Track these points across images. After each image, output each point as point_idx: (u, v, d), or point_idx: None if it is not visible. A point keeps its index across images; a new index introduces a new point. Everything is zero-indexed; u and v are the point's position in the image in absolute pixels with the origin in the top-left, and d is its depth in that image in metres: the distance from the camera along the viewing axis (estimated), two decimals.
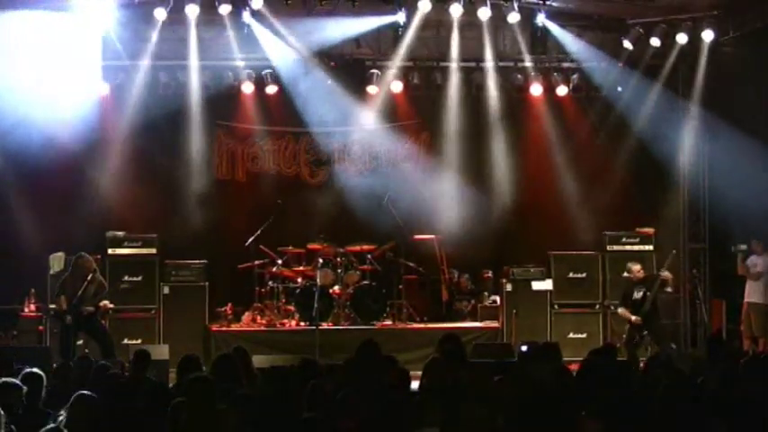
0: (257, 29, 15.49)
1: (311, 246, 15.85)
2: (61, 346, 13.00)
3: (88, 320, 13.18)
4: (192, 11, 14.92)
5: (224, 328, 15.26)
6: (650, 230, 16.06)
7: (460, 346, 9.68)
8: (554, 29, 15.98)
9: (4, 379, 7.61)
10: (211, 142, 16.75)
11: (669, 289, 14.15)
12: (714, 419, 6.78)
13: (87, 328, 13.29)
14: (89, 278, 13.20)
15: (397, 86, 16.56)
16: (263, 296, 15.60)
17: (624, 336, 13.85)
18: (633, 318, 13.55)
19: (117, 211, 15.68)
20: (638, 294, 13.66)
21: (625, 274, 14.09)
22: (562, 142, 16.83)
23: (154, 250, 15.32)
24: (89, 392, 7.33)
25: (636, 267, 13.89)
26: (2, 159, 15.22)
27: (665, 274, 13.83)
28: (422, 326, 15.61)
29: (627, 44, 15.99)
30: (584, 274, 15.90)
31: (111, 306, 13.59)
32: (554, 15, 15.90)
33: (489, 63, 16.54)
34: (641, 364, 11.46)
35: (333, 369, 8.96)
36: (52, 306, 13.63)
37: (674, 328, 15.99)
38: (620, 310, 13.87)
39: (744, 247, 14.82)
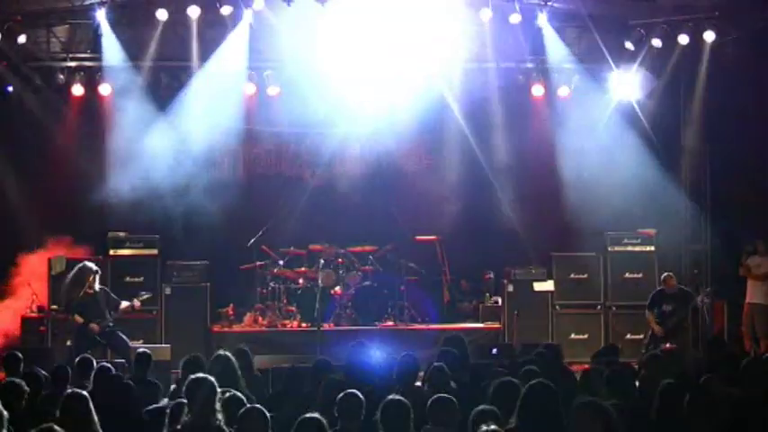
0: (258, 30, 15.52)
1: (312, 246, 15.87)
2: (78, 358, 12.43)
3: (111, 333, 12.97)
4: (194, 12, 14.96)
5: (226, 329, 15.29)
6: (651, 231, 16.05)
7: (464, 348, 9.69)
8: (555, 29, 16.00)
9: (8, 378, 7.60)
10: (213, 143, 16.76)
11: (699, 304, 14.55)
12: (713, 419, 6.78)
13: (111, 339, 12.99)
14: (95, 289, 13.01)
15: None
16: (265, 297, 15.61)
17: (629, 335, 13.98)
18: (656, 327, 13.73)
19: (118, 211, 15.67)
20: (667, 307, 13.85)
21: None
22: (563, 143, 16.81)
23: (155, 251, 15.33)
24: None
25: (672, 281, 14.11)
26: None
27: (702, 298, 14.08)
28: (423, 326, 15.62)
29: (628, 45, 16.00)
30: (585, 275, 15.90)
31: (135, 304, 13.30)
32: (555, 16, 15.90)
33: (491, 64, 16.53)
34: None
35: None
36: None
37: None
38: (647, 314, 14.01)
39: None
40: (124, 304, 13.09)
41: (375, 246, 16.12)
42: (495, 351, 12.08)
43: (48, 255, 14.99)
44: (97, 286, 13.00)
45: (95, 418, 7.04)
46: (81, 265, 13.13)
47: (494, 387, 7.31)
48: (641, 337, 14.66)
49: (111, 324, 12.91)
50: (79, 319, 12.75)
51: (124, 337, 12.97)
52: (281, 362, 12.00)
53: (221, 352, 8.70)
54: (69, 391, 7.44)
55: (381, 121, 16.93)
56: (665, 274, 14.33)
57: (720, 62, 15.79)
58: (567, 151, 16.71)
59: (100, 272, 13.16)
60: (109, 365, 9.58)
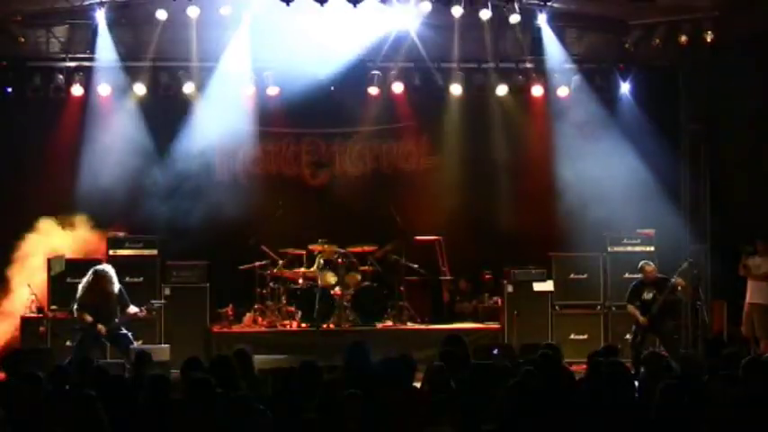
0: (259, 30, 15.54)
1: (312, 247, 15.86)
2: (80, 358, 11.42)
3: (118, 335, 13.01)
4: (194, 12, 14.97)
5: (225, 330, 15.28)
6: (651, 231, 16.04)
7: (464, 348, 9.68)
8: (555, 30, 16.02)
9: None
10: (213, 143, 16.78)
11: (680, 295, 14.26)
12: (713, 420, 6.78)
13: (116, 340, 13.05)
14: (111, 290, 13.02)
15: (398, 87, 16.56)
16: (265, 297, 15.61)
17: (629, 336, 13.93)
18: (641, 318, 13.57)
19: (117, 211, 15.67)
20: (647, 295, 13.67)
21: (637, 274, 14.08)
22: (563, 143, 16.83)
23: (155, 251, 15.30)
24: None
25: (650, 267, 13.89)
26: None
27: (679, 280, 13.82)
28: (423, 327, 15.62)
29: (628, 45, 16.00)
30: (585, 275, 15.88)
31: (140, 312, 13.24)
32: (555, 16, 15.91)
33: (490, 64, 16.56)
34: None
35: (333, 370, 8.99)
36: (79, 325, 12.90)
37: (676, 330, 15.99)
38: (630, 308, 13.84)
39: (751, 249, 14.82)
40: (132, 310, 13.06)
41: (375, 246, 16.12)
42: (496, 351, 12.10)
43: (44, 239, 15.04)
44: (116, 287, 12.98)
45: (105, 419, 7.05)
46: (96, 269, 13.07)
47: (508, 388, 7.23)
48: None
49: (120, 330, 12.91)
50: (88, 318, 12.72)
51: (129, 335, 12.98)
52: (281, 362, 12.01)
53: (221, 353, 8.68)
54: (79, 392, 7.40)
55: (381, 120, 16.99)
56: (642, 262, 14.16)
57: (720, 62, 15.80)
58: (567, 151, 16.73)
59: (114, 273, 13.10)
60: (106, 366, 9.58)
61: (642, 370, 8.99)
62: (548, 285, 15.75)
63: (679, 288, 13.91)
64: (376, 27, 15.82)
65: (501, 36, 16.59)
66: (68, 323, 13.46)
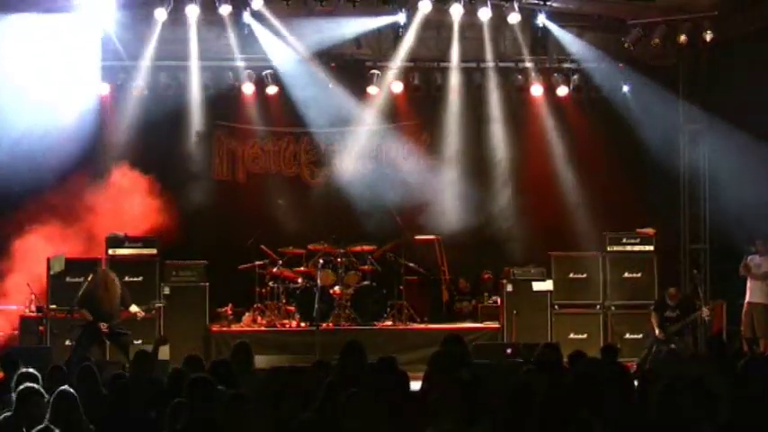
0: (257, 29, 15.54)
1: (312, 246, 15.86)
2: (77, 356, 11.62)
3: (118, 334, 13.09)
4: (193, 11, 14.96)
5: (224, 329, 15.28)
6: (650, 231, 16.05)
7: (464, 348, 9.67)
8: (554, 29, 16.03)
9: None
10: (212, 143, 16.79)
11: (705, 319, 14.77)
12: (712, 420, 6.77)
13: (116, 338, 13.15)
14: (113, 289, 13.06)
15: (398, 87, 16.57)
16: (264, 297, 15.60)
17: (629, 335, 14.53)
18: (658, 330, 14.18)
19: (117, 211, 15.66)
20: (671, 313, 14.31)
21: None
22: (562, 143, 16.84)
23: (154, 251, 15.29)
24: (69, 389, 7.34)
25: (672, 291, 14.53)
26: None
27: (706, 313, 14.46)
28: (422, 326, 15.61)
29: (627, 45, 16.00)
30: (584, 275, 15.88)
31: (140, 313, 13.38)
32: (554, 16, 15.92)
33: (490, 63, 16.57)
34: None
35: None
36: (79, 322, 13.11)
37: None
38: (653, 315, 14.43)
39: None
40: (133, 309, 13.12)
41: (374, 245, 16.11)
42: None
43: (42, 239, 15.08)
44: (117, 286, 13.03)
45: (83, 416, 7.03)
46: (98, 268, 13.08)
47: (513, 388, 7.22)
48: (640, 336, 14.71)
49: (121, 329, 12.95)
50: (88, 316, 12.75)
51: (129, 335, 13.00)
52: (280, 362, 12.01)
53: (222, 357, 8.66)
54: (60, 389, 7.39)
55: (380, 120, 16.99)
56: (671, 288, 14.61)
57: (719, 62, 15.80)
58: (567, 151, 16.73)
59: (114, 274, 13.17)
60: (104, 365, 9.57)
61: (646, 368, 9.01)
62: (547, 285, 15.75)
63: (703, 320, 14.61)
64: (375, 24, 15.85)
65: (500, 35, 16.59)
66: (67, 322, 13.47)
